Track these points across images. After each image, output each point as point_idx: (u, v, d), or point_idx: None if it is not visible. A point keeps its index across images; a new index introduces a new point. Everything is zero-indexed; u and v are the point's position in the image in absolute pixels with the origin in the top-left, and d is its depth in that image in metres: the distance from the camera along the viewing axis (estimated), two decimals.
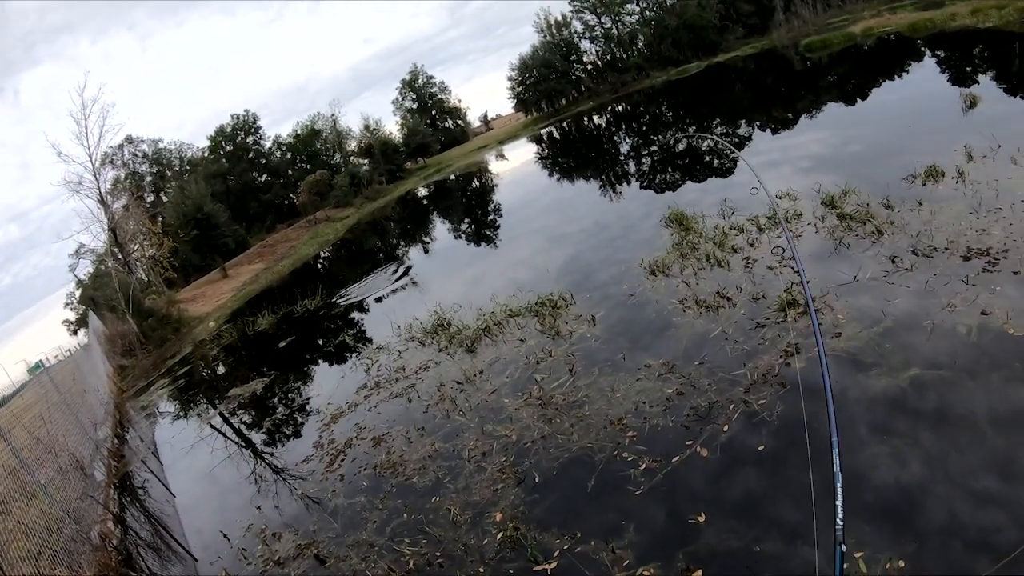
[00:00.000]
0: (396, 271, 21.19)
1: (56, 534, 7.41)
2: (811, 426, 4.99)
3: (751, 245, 9.56)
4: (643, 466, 5.47)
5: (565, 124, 59.70)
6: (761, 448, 5.15)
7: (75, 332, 47.25)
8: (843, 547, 3.25)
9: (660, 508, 4.98)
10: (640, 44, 69.80)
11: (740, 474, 5.01)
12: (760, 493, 4.76)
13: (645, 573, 4.41)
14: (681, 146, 24.05)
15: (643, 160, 24.93)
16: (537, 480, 5.93)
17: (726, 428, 5.55)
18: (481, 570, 5.08)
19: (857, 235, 8.41)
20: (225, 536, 7.33)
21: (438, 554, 5.44)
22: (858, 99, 20.22)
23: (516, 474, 6.14)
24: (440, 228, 29.86)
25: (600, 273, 11.54)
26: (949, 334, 5.67)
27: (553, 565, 4.81)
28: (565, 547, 4.91)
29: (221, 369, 19.22)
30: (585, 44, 72.76)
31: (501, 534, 5.32)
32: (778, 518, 4.43)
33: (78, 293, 47.11)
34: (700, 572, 4.23)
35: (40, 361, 21.75)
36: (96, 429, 13.99)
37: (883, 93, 19.70)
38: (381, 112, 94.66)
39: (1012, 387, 4.81)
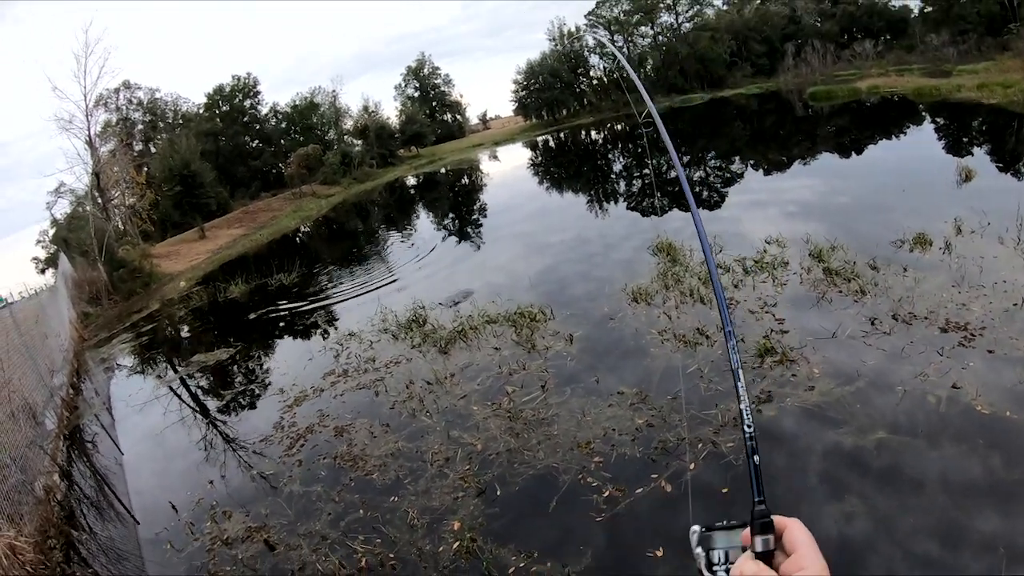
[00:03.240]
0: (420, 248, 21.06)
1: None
2: (773, 477, 5.06)
3: (735, 287, 9.64)
4: (606, 493, 5.48)
5: (562, 135, 60.00)
6: (725, 491, 5.18)
7: (43, 271, 45.99)
8: None
9: (619, 537, 4.99)
10: (648, 67, 70.21)
11: (701, 514, 5.04)
12: None
13: None
14: (672, 173, 24.25)
15: (633, 181, 25.10)
16: (499, 493, 5.91)
17: (692, 466, 5.58)
18: None
19: (840, 292, 8.54)
20: (174, 508, 7.19)
21: (391, 555, 5.39)
22: (854, 153, 20.57)
23: (478, 484, 6.11)
24: (424, 220, 29.70)
25: (575, 288, 11.68)
26: (919, 402, 5.78)
27: None
28: (521, 564, 4.90)
29: (186, 331, 18.89)
30: (594, 59, 73.18)
31: (457, 543, 5.29)
32: None
33: (51, 232, 45.97)
34: None
35: (3, 296, 21.14)
36: (52, 376, 13.67)
37: (880, 151, 20.06)
38: (381, 95, 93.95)
39: (972, 461, 4.91)
